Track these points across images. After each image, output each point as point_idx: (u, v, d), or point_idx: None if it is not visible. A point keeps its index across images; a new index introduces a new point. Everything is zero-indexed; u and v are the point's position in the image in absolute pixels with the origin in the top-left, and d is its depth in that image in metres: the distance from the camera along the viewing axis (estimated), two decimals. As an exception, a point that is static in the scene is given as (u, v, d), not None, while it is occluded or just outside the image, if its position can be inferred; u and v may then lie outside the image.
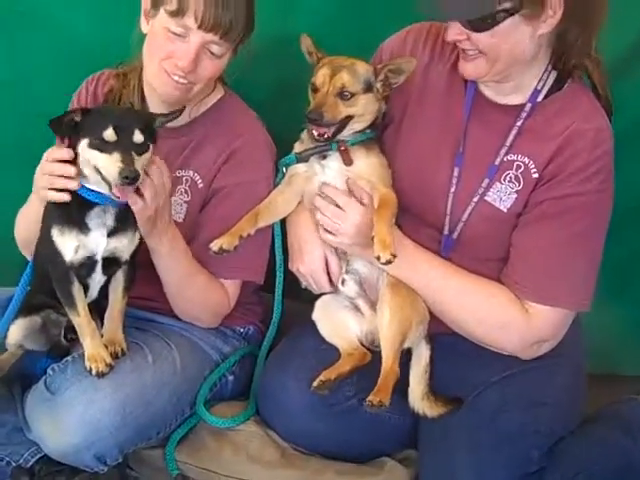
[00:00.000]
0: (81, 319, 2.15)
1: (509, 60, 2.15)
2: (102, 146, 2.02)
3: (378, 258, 2.11)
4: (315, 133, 2.22)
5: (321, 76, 2.22)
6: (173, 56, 2.24)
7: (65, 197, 2.08)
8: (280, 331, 2.53)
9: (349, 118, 2.24)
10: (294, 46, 2.33)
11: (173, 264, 2.30)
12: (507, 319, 2.25)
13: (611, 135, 2.22)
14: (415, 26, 2.42)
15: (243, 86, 2.53)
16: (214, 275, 2.40)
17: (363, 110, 2.25)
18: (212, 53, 2.26)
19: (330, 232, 2.28)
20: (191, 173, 2.42)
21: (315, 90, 2.23)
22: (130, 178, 1.98)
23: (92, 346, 2.15)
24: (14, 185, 2.45)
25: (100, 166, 2.02)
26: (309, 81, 2.28)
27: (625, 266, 2.85)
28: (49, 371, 2.20)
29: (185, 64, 2.22)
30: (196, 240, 2.38)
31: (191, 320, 2.46)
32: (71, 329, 2.27)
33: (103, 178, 2.02)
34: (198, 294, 2.39)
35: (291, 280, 2.45)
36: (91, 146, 2.03)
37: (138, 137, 2.03)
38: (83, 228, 2.11)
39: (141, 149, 2.04)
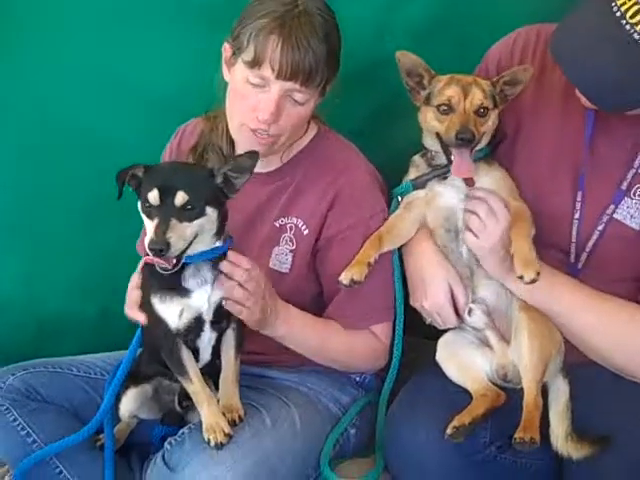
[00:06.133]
0: (195, 386, 2.04)
1: None
2: (148, 211, 1.88)
3: (521, 277, 1.95)
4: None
5: (455, 95, 2.07)
6: (255, 109, 2.10)
7: None
8: (399, 372, 2.34)
9: (482, 135, 2.12)
10: (387, 69, 2.18)
11: (298, 340, 2.23)
12: None
13: None
14: (522, 31, 2.25)
15: (336, 117, 2.38)
16: (350, 328, 2.27)
17: (492, 126, 2.14)
18: (295, 101, 2.11)
19: (474, 234, 2.10)
20: (294, 220, 2.27)
21: (446, 111, 2.08)
22: (156, 251, 1.82)
23: (210, 414, 2.01)
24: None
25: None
26: (407, 104, 2.16)
27: None
28: (166, 445, 2.08)
29: (266, 116, 2.09)
30: (326, 296, 2.28)
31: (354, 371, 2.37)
32: (185, 396, 2.16)
33: None
34: (343, 352, 2.28)
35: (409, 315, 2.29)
36: (142, 210, 1.91)
37: (180, 200, 1.85)
38: (182, 291, 2.00)
39: (188, 214, 1.86)
